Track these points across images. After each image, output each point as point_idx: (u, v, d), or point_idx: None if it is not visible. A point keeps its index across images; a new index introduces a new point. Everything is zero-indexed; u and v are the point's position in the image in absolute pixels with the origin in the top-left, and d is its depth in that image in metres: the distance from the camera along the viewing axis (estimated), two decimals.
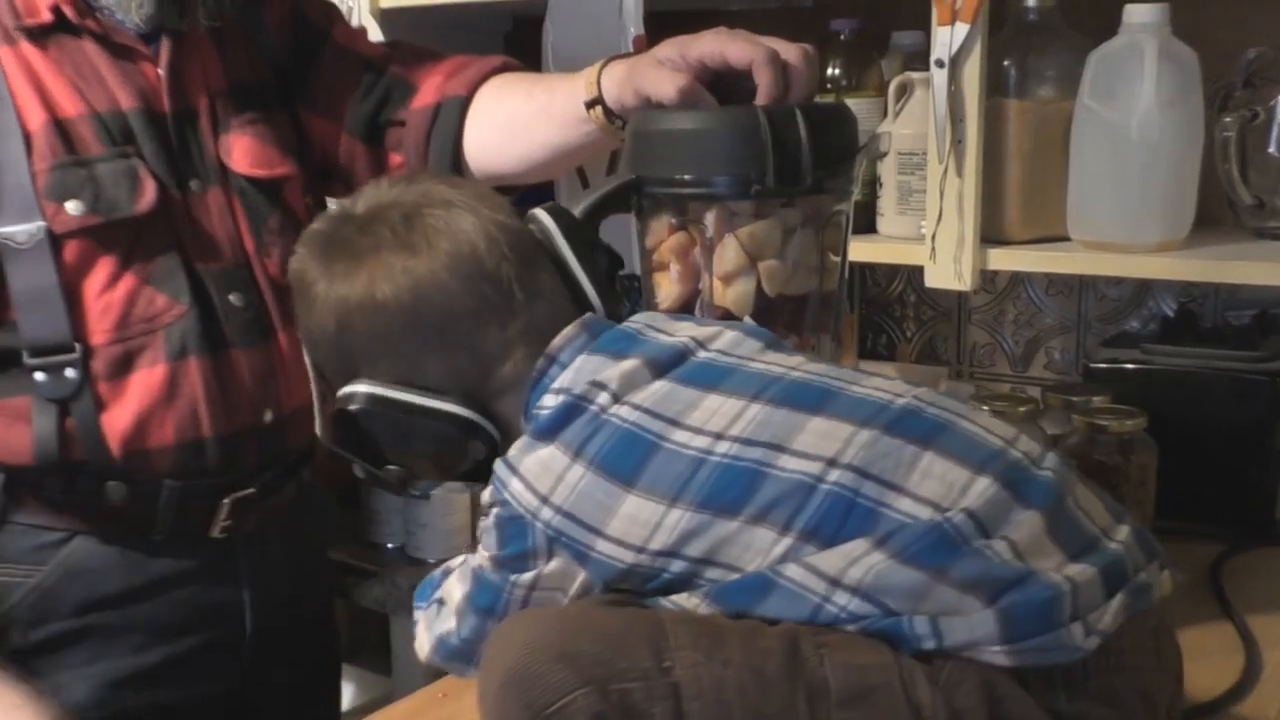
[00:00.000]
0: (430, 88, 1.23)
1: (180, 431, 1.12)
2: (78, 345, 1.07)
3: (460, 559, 0.91)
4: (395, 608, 1.42)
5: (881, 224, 1.44)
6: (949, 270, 1.33)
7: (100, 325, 1.08)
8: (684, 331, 0.88)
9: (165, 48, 1.14)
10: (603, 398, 0.82)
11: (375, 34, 1.68)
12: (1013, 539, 0.72)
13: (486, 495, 0.85)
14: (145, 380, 1.10)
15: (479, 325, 0.89)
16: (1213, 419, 1.36)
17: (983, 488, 0.74)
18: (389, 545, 1.45)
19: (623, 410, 0.82)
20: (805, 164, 0.99)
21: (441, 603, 0.90)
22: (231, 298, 1.15)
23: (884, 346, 1.72)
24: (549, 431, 0.83)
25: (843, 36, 1.49)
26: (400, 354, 0.90)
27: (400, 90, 1.24)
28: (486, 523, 0.85)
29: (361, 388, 0.90)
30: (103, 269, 1.08)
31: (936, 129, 1.31)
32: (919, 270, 1.36)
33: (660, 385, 0.83)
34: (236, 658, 1.21)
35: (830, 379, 0.82)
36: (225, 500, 1.16)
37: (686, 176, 1.00)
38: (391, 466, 0.93)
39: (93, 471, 1.10)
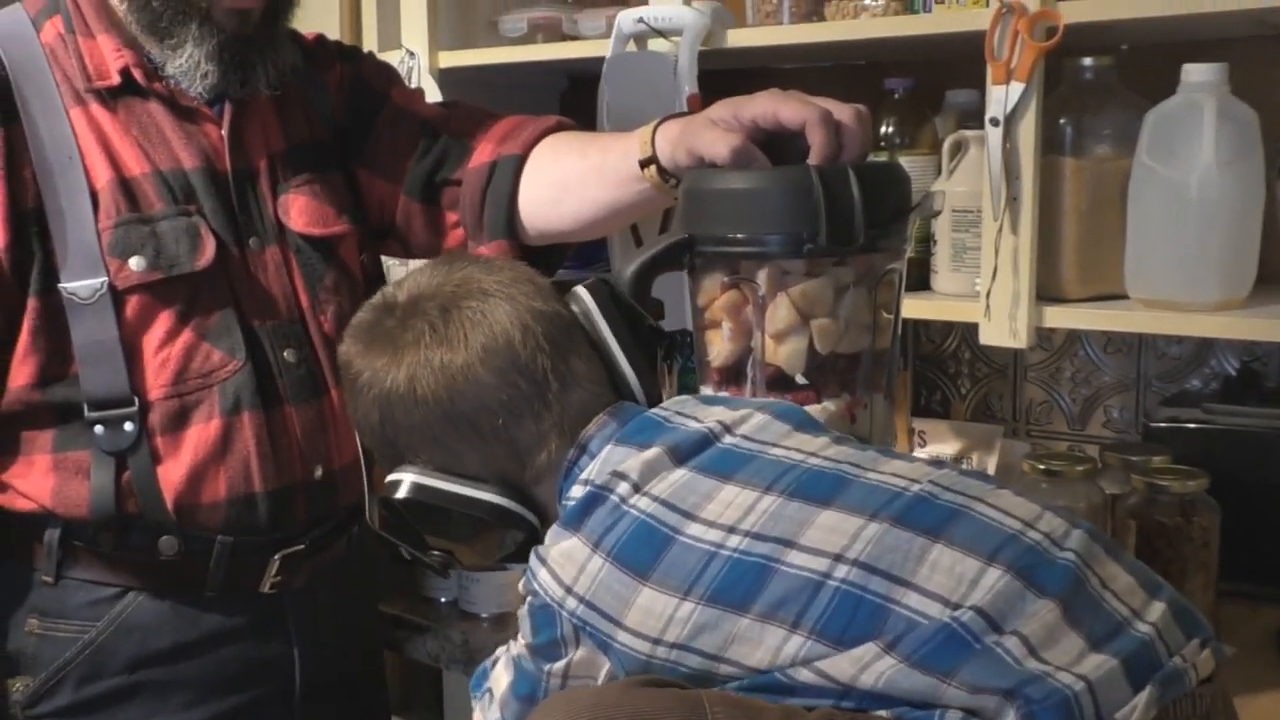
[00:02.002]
0: (486, 148, 1.25)
1: (232, 486, 1.13)
2: (136, 399, 1.09)
3: (504, 649, 0.92)
4: (448, 662, 1.42)
5: (936, 281, 1.43)
6: (1004, 328, 1.32)
7: (158, 380, 1.10)
8: (713, 416, 0.89)
9: (228, 111, 1.17)
10: (623, 488, 0.84)
11: (434, 93, 1.71)
12: (1025, 633, 0.71)
13: (522, 585, 0.87)
14: (200, 435, 1.11)
15: (513, 417, 0.91)
16: (1277, 480, 1.33)
17: (993, 579, 0.73)
18: (442, 599, 1.45)
19: (641, 502, 0.83)
20: (858, 223, 0.99)
21: (491, 693, 0.92)
22: (286, 354, 1.16)
23: (938, 404, 1.71)
24: (573, 522, 0.85)
25: (897, 95, 1.50)
26: (440, 444, 0.92)
27: (457, 150, 1.26)
28: (522, 611, 0.87)
29: (405, 476, 0.93)
30: (161, 324, 1.10)
31: (991, 186, 1.30)
32: (973, 327, 1.35)
33: (680, 474, 0.84)
34: (287, 713, 1.21)
35: (847, 466, 0.83)
36: (275, 556, 1.16)
37: (739, 235, 1.00)
38: (435, 551, 0.96)
39: (147, 526, 1.11)
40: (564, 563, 0.83)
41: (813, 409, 0.99)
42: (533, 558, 0.86)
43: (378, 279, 1.30)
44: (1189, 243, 1.25)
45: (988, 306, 1.33)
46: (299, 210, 1.20)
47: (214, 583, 1.15)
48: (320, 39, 1.33)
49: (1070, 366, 1.63)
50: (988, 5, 1.29)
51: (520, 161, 1.23)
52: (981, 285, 1.33)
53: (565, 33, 1.71)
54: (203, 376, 1.12)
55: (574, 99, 1.89)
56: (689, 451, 0.86)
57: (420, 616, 1.44)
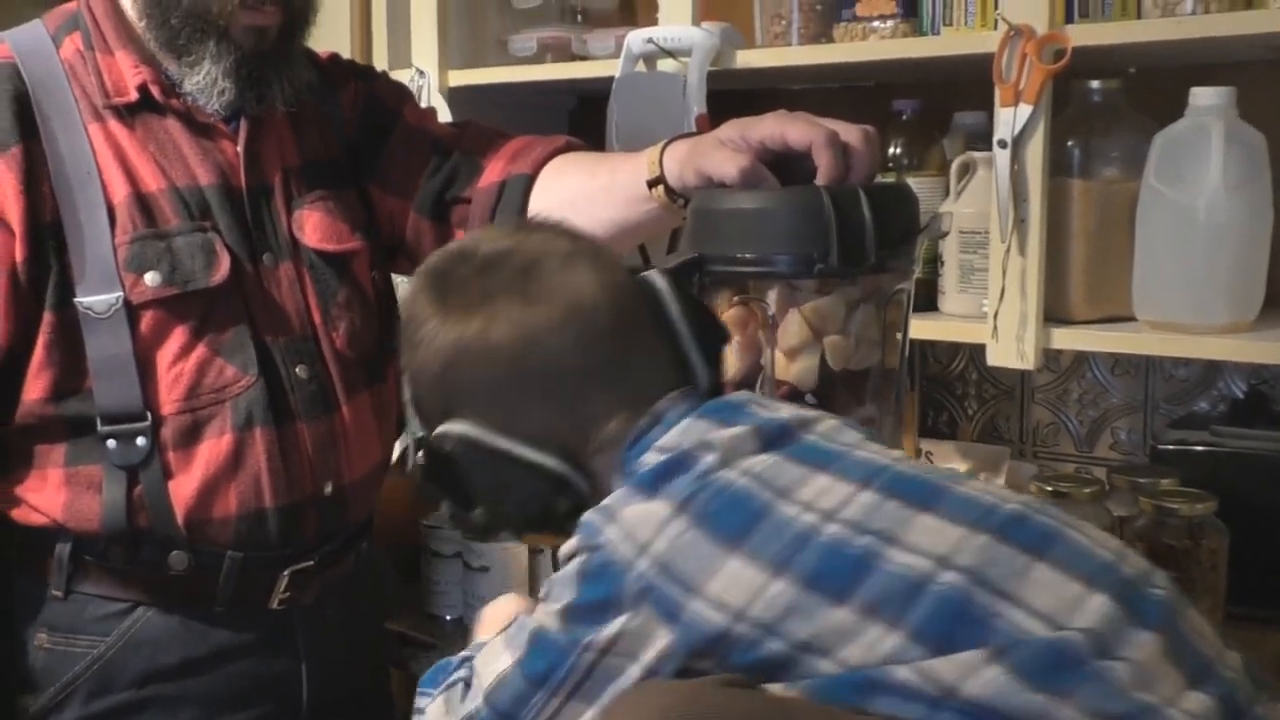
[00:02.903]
0: (496, 167, 1.25)
1: (243, 502, 1.13)
2: (148, 414, 1.10)
3: (486, 639, 0.87)
4: None
5: (943, 302, 1.43)
6: (1011, 349, 1.33)
7: (171, 395, 1.10)
8: (786, 411, 0.86)
9: (244, 127, 1.17)
10: (710, 459, 0.79)
11: (444, 111, 1.72)
12: (1132, 660, 0.68)
13: (570, 544, 0.81)
14: (212, 450, 1.12)
15: (585, 385, 0.87)
16: None
17: (1098, 604, 0.70)
18: (447, 617, 1.45)
19: (730, 473, 0.79)
20: (868, 243, 0.99)
21: (466, 685, 0.85)
22: (298, 370, 1.16)
23: (945, 424, 1.71)
24: (652, 485, 0.79)
25: (905, 116, 1.50)
26: (501, 401, 0.86)
27: (467, 169, 1.27)
28: (564, 572, 0.80)
29: (458, 428, 0.86)
30: (176, 340, 1.11)
31: (999, 208, 1.31)
32: (981, 348, 1.36)
33: (767, 457, 0.80)
34: None
35: (935, 476, 0.80)
36: (285, 572, 1.17)
37: (749, 255, 1.00)
38: (477, 510, 0.89)
39: (157, 541, 1.12)
40: (639, 523, 0.77)
41: None
42: (594, 516, 0.79)
43: (388, 296, 1.31)
44: (1197, 265, 1.25)
45: (995, 328, 1.33)
46: (313, 226, 1.21)
47: (223, 598, 1.15)
48: (335, 57, 1.34)
49: (1078, 388, 1.63)
50: (996, 28, 1.29)
51: (529, 181, 1.23)
52: (989, 306, 1.34)
53: (574, 53, 1.72)
54: (215, 392, 1.12)
55: (583, 118, 1.89)
56: (773, 438, 0.82)
57: (426, 634, 1.44)
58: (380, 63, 1.83)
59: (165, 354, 1.11)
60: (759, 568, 0.74)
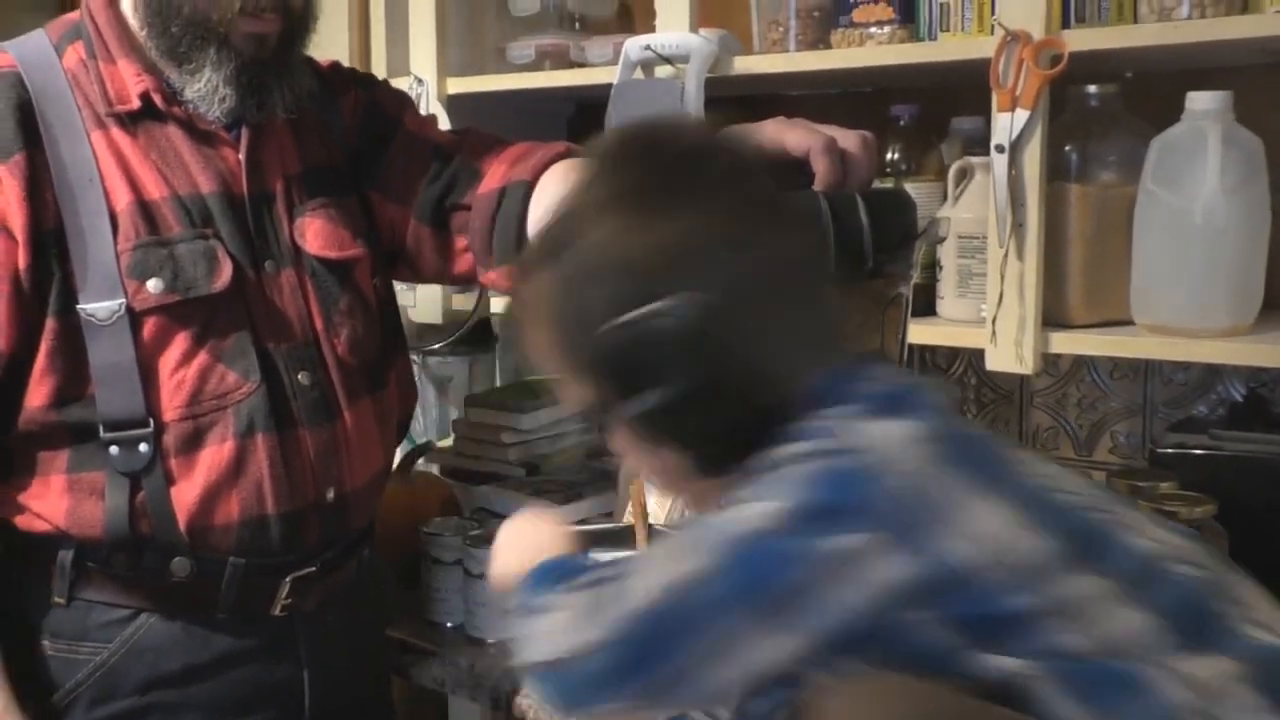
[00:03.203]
0: (496, 173, 1.26)
1: (245, 508, 1.13)
2: (151, 420, 1.10)
3: (505, 564, 0.78)
4: (454, 687, 1.41)
5: (942, 307, 1.44)
6: (1010, 353, 1.33)
7: (173, 401, 1.11)
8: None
9: (245, 135, 1.18)
10: (938, 397, 0.74)
11: (443, 118, 1.72)
12: None
13: (804, 446, 0.69)
14: (214, 456, 1.12)
15: (812, 305, 0.79)
16: None
17: None
18: (448, 624, 1.45)
19: (954, 424, 0.73)
20: (866, 248, 0.99)
21: (601, 586, 0.71)
22: (300, 376, 1.16)
23: None
24: (890, 407, 0.71)
25: (902, 122, 1.51)
26: (738, 299, 0.73)
27: (467, 176, 1.27)
28: (782, 474, 0.69)
29: (685, 310, 0.72)
30: (178, 346, 1.11)
31: (997, 213, 1.31)
32: (980, 353, 1.36)
33: (979, 431, 0.77)
34: None
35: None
36: (287, 579, 1.17)
37: None
38: (652, 403, 0.74)
39: (160, 547, 1.12)
40: (885, 437, 0.68)
41: None
42: (828, 422, 0.70)
43: (389, 304, 1.31)
44: (1195, 269, 1.26)
45: (994, 332, 1.33)
46: (315, 233, 1.21)
47: (225, 605, 1.15)
48: (335, 65, 1.34)
49: (1077, 392, 1.63)
50: (992, 33, 1.30)
51: (529, 187, 1.24)
52: (988, 311, 1.34)
53: (573, 60, 1.72)
54: (217, 398, 1.12)
55: (582, 125, 1.90)
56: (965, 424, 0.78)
57: (427, 641, 1.43)
58: (379, 70, 1.83)
59: (167, 360, 1.11)
60: (1012, 516, 0.66)
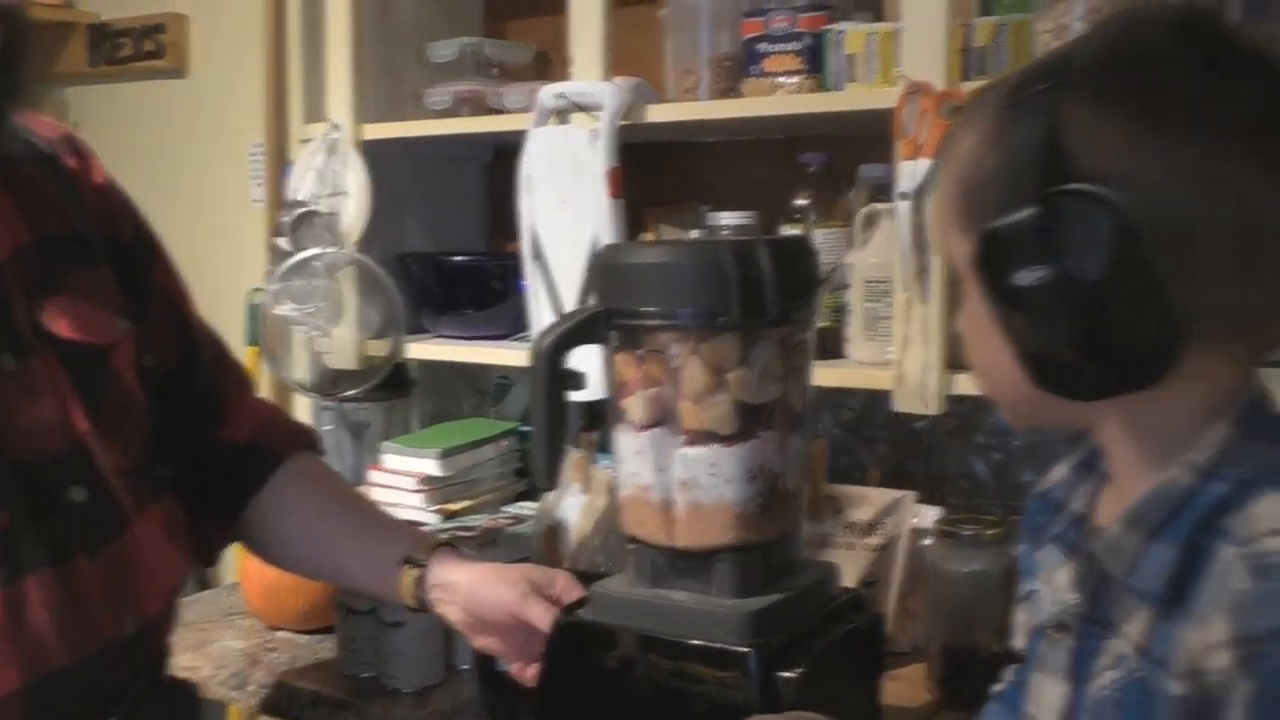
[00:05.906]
0: (241, 422, 1.20)
1: (28, 670, 0.90)
2: None
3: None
4: None
5: (850, 349, 1.46)
6: (915, 395, 1.36)
7: None
8: None
9: None
10: None
11: (357, 166, 1.72)
12: None
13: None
14: None
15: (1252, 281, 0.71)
16: None
17: None
18: (362, 675, 1.43)
19: None
20: (770, 297, 1.02)
21: None
22: (72, 492, 0.95)
23: (855, 469, 1.74)
24: None
25: (812, 169, 1.54)
26: (1189, 249, 0.68)
27: (213, 395, 1.19)
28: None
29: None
30: None
31: (902, 258, 1.34)
32: (888, 394, 1.39)
33: None
34: None
35: None
36: None
37: (654, 309, 1.03)
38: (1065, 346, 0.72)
39: None
40: None
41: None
42: None
43: (185, 375, 1.17)
44: None
45: (900, 374, 1.36)
46: (62, 314, 0.98)
47: None
48: (70, 137, 1.11)
49: (983, 432, 1.67)
50: (896, 84, 1.33)
51: (276, 463, 1.18)
52: (894, 354, 1.37)
53: (490, 106, 1.73)
54: None
55: (497, 171, 1.91)
56: None
57: (341, 693, 1.41)
58: (295, 116, 1.83)
59: None
60: None
